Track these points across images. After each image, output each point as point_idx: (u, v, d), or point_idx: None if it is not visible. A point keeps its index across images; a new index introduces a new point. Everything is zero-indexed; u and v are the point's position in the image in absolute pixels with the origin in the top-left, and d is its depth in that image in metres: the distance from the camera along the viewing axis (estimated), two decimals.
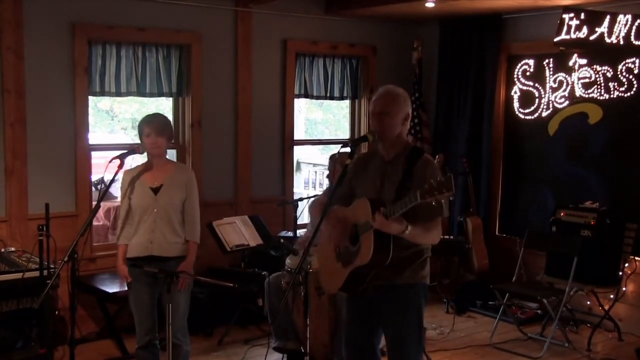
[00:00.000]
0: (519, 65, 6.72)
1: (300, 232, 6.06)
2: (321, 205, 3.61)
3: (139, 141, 4.34)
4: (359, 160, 3.70)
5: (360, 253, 3.38)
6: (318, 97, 7.21)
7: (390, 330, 3.56)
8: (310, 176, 9.75)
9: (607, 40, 5.55)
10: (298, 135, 8.26)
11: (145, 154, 4.33)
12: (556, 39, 5.71)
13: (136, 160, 7.39)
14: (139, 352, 4.38)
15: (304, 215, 6.47)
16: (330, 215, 3.52)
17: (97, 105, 9.49)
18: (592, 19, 5.55)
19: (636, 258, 5.80)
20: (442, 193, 2.98)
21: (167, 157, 4.46)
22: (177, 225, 4.27)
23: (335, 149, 7.07)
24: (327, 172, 5.21)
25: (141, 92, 5.96)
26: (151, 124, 4.23)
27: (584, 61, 6.21)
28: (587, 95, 6.22)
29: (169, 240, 4.24)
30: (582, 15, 5.55)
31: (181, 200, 4.28)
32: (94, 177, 6.33)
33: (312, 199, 4.18)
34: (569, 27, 5.61)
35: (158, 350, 4.38)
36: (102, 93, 5.83)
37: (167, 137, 4.28)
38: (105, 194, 4.19)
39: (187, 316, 4.33)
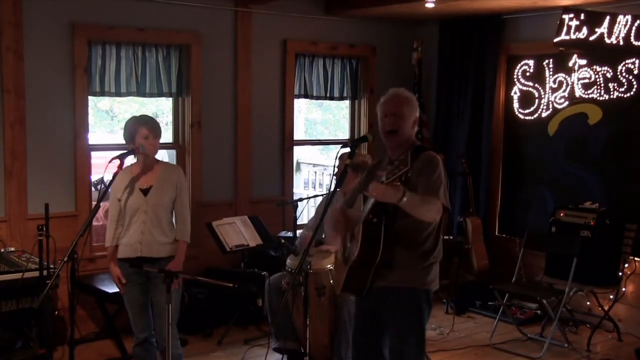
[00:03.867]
0: (519, 65, 6.72)
1: (299, 232, 6.05)
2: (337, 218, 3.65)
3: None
4: (372, 169, 3.75)
5: (353, 248, 3.41)
6: (318, 98, 7.21)
7: (390, 334, 3.56)
8: (310, 176, 9.73)
9: (607, 40, 5.55)
10: (298, 135, 8.25)
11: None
12: (556, 40, 5.71)
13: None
14: (136, 350, 4.41)
15: (303, 216, 6.47)
16: (341, 217, 3.56)
17: (96, 105, 9.48)
18: (592, 20, 5.55)
19: (636, 258, 5.80)
20: (400, 170, 3.03)
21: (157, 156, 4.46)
22: (167, 226, 4.28)
23: (335, 149, 7.07)
24: (331, 171, 5.19)
25: (141, 92, 5.96)
26: (150, 126, 4.24)
27: (583, 62, 6.21)
28: (586, 96, 6.23)
29: (158, 241, 4.25)
30: (582, 16, 5.56)
31: (171, 200, 4.29)
32: (94, 177, 6.31)
33: (328, 216, 4.19)
34: (569, 27, 5.61)
35: (155, 348, 4.39)
36: (102, 93, 5.83)
37: (159, 137, 4.31)
38: (105, 194, 4.18)
39: (177, 319, 4.30)
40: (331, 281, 4.65)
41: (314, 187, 9.47)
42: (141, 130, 4.23)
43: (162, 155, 4.98)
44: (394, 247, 3.36)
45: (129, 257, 4.25)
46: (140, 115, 4.41)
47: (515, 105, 6.81)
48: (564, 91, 6.38)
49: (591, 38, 5.57)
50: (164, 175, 4.30)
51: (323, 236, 4.87)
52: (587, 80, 6.21)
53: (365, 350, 3.66)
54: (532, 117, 6.67)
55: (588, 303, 6.18)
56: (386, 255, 3.34)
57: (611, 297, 5.84)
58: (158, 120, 4.43)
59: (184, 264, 4.33)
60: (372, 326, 3.61)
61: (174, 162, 6.11)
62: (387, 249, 3.33)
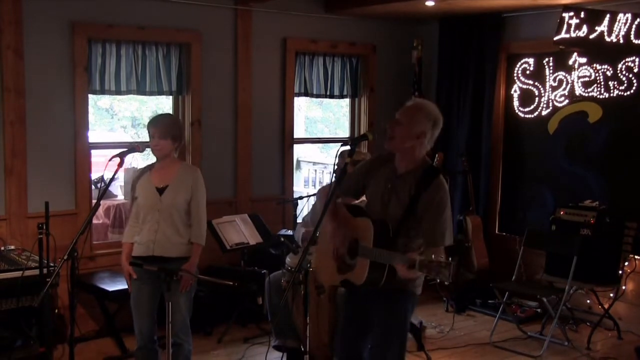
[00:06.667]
0: (519, 64, 6.72)
1: (299, 227, 6.04)
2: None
3: (138, 139, 4.34)
4: (375, 159, 3.69)
5: (355, 272, 3.42)
6: (318, 96, 7.20)
7: (373, 334, 3.56)
8: (310, 175, 9.75)
9: (607, 39, 5.56)
10: (298, 133, 8.25)
11: (146, 152, 4.34)
12: (556, 38, 5.71)
13: (136, 158, 7.39)
14: (137, 354, 4.37)
15: (303, 214, 6.45)
16: (336, 213, 3.54)
17: (97, 104, 9.48)
18: (592, 18, 5.55)
19: (636, 257, 5.80)
20: (438, 274, 3.01)
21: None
22: (181, 226, 4.27)
23: (335, 147, 7.06)
24: (333, 169, 5.18)
25: (141, 91, 5.96)
26: (155, 126, 4.23)
27: (583, 60, 6.21)
28: (586, 94, 6.22)
29: (172, 240, 4.23)
30: (582, 14, 5.56)
31: (186, 201, 4.27)
32: (94, 176, 6.33)
33: (323, 185, 4.15)
34: (569, 25, 5.61)
35: (157, 350, 4.38)
36: (102, 91, 5.83)
37: (173, 138, 4.26)
38: (105, 192, 4.17)
39: (190, 316, 4.32)
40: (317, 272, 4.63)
41: (314, 185, 9.48)
42: (149, 130, 4.25)
43: None
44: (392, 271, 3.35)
45: (141, 255, 4.24)
46: (156, 115, 4.42)
47: (515, 103, 6.81)
48: (564, 89, 6.38)
49: (591, 36, 5.57)
50: (180, 176, 4.30)
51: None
52: (587, 79, 6.21)
53: (347, 347, 3.69)
54: (532, 116, 6.67)
55: (588, 301, 6.19)
56: (389, 277, 3.33)
57: (611, 295, 5.84)
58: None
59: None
60: (356, 326, 3.63)
61: None
62: (390, 272, 3.31)
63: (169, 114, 4.57)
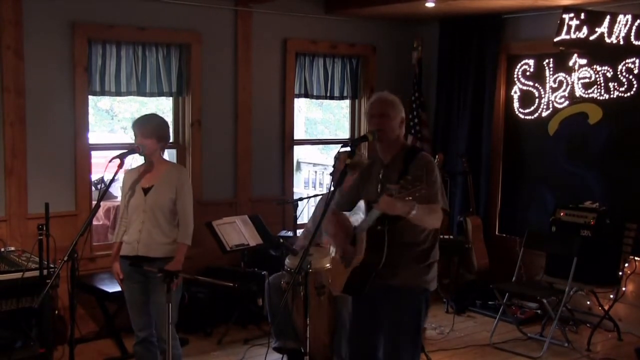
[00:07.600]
0: (519, 65, 6.71)
1: (300, 232, 6.05)
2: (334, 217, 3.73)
3: None
4: (363, 170, 3.80)
5: (356, 251, 3.43)
6: (318, 97, 7.21)
7: (386, 333, 3.56)
8: (310, 176, 9.73)
9: (607, 40, 5.55)
10: (298, 134, 8.25)
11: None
12: (556, 39, 5.71)
13: (136, 159, 7.38)
14: (136, 348, 4.43)
15: (303, 215, 6.45)
16: (336, 221, 3.62)
17: (97, 105, 9.49)
18: (592, 19, 5.55)
19: (636, 258, 5.80)
20: (415, 186, 3.06)
21: (166, 157, 4.49)
22: (166, 226, 4.27)
23: (335, 148, 7.05)
24: (330, 170, 5.19)
25: (141, 92, 5.96)
26: (139, 127, 4.26)
27: (583, 61, 6.21)
28: (587, 95, 6.22)
29: (156, 240, 4.24)
30: (582, 16, 5.56)
31: (170, 201, 4.27)
32: (94, 177, 6.32)
33: (325, 217, 4.16)
34: (569, 27, 5.61)
35: (155, 346, 4.39)
36: (102, 92, 5.83)
37: (157, 138, 4.27)
38: (105, 194, 4.20)
39: (176, 319, 4.23)
40: (329, 280, 4.65)
41: (314, 187, 9.47)
42: (134, 130, 4.29)
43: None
44: (396, 248, 3.37)
45: (128, 255, 4.27)
46: (141, 115, 4.44)
47: (516, 104, 6.81)
48: (564, 91, 6.38)
49: (591, 37, 5.57)
50: (165, 176, 4.31)
51: (322, 238, 4.89)
52: (587, 80, 6.21)
53: (359, 349, 3.68)
54: (533, 117, 6.67)
55: (588, 302, 6.18)
56: (389, 259, 3.37)
57: (611, 296, 5.84)
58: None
59: (183, 262, 4.32)
60: (368, 327, 3.63)
61: (174, 161, 6.10)
62: (390, 252, 3.36)
63: (153, 114, 4.57)
